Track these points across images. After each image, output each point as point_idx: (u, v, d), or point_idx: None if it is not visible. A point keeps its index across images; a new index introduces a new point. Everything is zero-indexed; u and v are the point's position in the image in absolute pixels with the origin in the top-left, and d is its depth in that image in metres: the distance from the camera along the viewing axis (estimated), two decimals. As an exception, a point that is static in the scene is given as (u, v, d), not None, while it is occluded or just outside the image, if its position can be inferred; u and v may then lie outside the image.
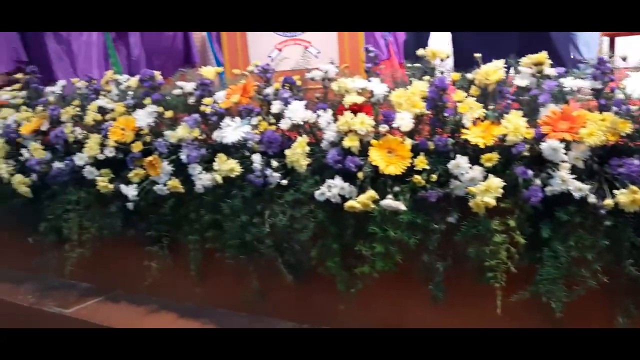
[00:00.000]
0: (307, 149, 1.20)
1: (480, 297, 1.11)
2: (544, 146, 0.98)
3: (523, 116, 1.03)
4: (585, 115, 0.98)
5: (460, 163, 1.04)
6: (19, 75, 1.93)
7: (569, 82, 1.03)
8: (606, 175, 0.98)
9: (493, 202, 1.01)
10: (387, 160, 1.13)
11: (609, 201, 0.94)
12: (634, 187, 0.91)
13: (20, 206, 1.71)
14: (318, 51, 1.64)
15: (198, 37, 3.16)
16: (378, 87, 1.18)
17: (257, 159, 1.25)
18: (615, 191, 0.94)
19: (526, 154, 1.01)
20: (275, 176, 1.23)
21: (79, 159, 1.52)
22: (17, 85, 1.93)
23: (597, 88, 1.02)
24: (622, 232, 0.96)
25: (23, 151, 1.67)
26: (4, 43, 2.77)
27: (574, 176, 0.98)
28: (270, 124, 1.28)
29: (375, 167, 1.13)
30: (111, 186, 1.47)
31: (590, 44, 2.11)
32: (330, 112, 1.20)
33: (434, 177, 1.09)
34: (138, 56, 3.02)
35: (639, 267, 0.98)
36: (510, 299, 1.05)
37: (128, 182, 1.44)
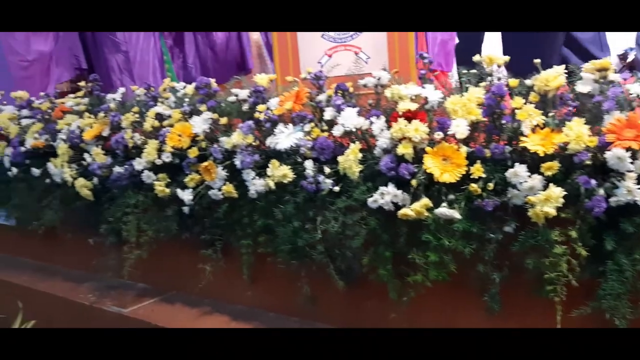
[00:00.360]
0: (360, 155, 1.20)
1: (538, 310, 1.08)
2: (608, 155, 0.94)
3: (585, 123, 1.00)
4: (653, 123, 0.93)
5: (518, 171, 1.02)
6: (82, 83, 2.02)
7: (636, 88, 0.99)
8: (677, 185, 0.93)
9: (553, 212, 0.98)
10: (442, 167, 1.11)
11: (679, 213, 0.89)
12: None
13: (82, 208, 1.80)
14: (368, 57, 1.64)
15: (254, 44, 3.21)
16: (432, 93, 1.17)
17: (309, 165, 1.26)
18: (686, 203, 0.89)
19: (588, 162, 0.98)
20: (327, 182, 1.24)
21: (138, 163, 1.58)
22: (80, 93, 2.02)
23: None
24: (693, 245, 0.91)
25: (85, 156, 1.75)
26: (67, 51, 2.91)
27: (640, 186, 0.94)
28: (323, 131, 1.28)
29: (430, 175, 1.12)
30: (168, 190, 1.52)
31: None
32: (383, 119, 1.20)
33: (491, 185, 1.07)
34: (193, 63, 3.10)
35: None
36: (570, 314, 1.01)
37: (184, 187, 1.48)
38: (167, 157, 1.51)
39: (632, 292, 0.95)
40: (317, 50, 1.64)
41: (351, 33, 1.63)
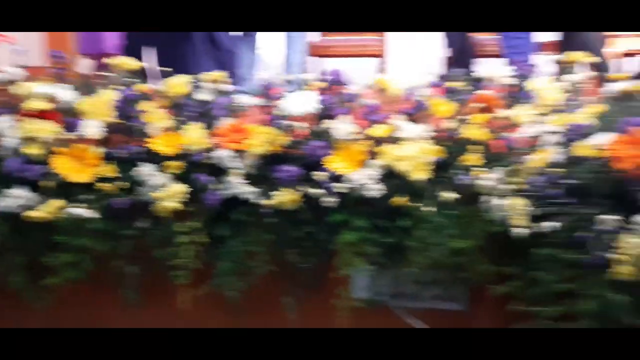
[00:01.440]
0: (-12, 156, 1.11)
1: (173, 295, 1.19)
2: (215, 155, 1.10)
3: (206, 128, 1.15)
4: (253, 128, 1.13)
5: (144, 170, 1.10)
6: None
7: (242, 99, 1.18)
8: (273, 179, 1.15)
9: (175, 206, 1.10)
10: (75, 168, 1.12)
11: (268, 201, 1.11)
12: (288, 189, 1.10)
13: None
14: (26, 50, 1.53)
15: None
16: (65, 93, 1.16)
17: None
18: (275, 192, 1.12)
19: (206, 162, 1.13)
20: (-56, 187, 1.11)
21: None
22: None
23: (264, 105, 1.19)
24: (284, 227, 1.15)
25: None
26: None
27: (246, 181, 1.13)
28: (-60, 129, 1.14)
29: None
30: None
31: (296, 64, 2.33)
32: (11, 117, 1.14)
33: (123, 184, 1.13)
34: None
35: (300, 255, 1.17)
36: (197, 294, 1.16)
37: None
38: None
39: (240, 268, 1.14)
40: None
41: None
